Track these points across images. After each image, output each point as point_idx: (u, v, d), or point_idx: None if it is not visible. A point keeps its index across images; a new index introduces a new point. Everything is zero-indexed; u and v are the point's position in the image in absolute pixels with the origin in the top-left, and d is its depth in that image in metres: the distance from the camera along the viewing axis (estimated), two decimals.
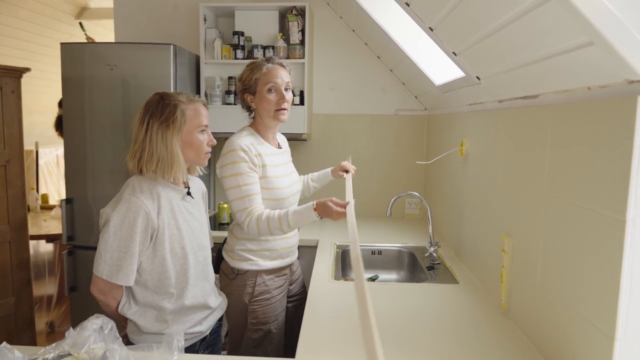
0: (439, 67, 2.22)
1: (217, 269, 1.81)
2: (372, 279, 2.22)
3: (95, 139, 2.53)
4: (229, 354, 1.85)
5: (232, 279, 1.73)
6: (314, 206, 1.59)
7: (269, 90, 1.69)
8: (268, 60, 1.73)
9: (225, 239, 1.87)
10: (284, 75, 1.72)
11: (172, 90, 2.42)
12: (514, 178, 1.48)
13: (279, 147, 1.87)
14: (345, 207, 1.54)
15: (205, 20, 2.73)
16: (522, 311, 1.41)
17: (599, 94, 1.00)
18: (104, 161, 2.55)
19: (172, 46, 2.43)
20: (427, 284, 1.86)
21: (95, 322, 1.17)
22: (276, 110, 1.71)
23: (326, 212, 1.56)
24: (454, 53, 1.60)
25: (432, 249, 2.10)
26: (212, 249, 1.64)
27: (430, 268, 2.04)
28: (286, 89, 1.72)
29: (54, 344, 1.15)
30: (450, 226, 2.26)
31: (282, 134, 2.03)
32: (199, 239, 1.51)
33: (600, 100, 1.00)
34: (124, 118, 2.49)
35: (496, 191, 1.64)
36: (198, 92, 2.78)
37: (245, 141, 1.69)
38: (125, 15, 3.07)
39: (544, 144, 1.26)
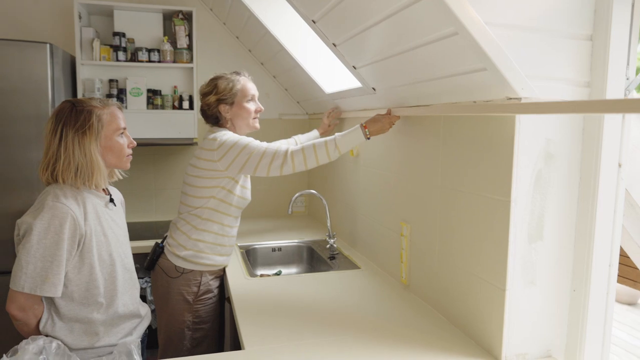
0: (324, 75, 2.46)
1: (152, 267, 1.80)
2: (277, 274, 2.36)
3: None
4: (162, 353, 1.82)
5: (175, 278, 1.72)
6: (363, 124, 1.70)
7: (249, 100, 1.88)
8: (238, 74, 1.86)
9: (165, 237, 1.90)
10: (255, 88, 1.94)
11: (50, 94, 2.25)
12: (409, 173, 1.77)
13: None
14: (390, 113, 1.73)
15: (80, 18, 2.54)
16: (422, 283, 1.70)
17: (483, 106, 1.30)
18: None
19: (48, 45, 2.22)
20: (333, 272, 2.07)
21: (36, 344, 1.10)
22: (253, 118, 1.90)
23: (378, 124, 1.70)
24: (353, 67, 1.84)
25: (332, 240, 2.33)
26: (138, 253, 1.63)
27: (332, 258, 2.26)
28: (258, 99, 1.94)
29: None
30: (343, 220, 2.52)
31: (170, 139, 2.42)
32: (124, 247, 1.50)
33: (484, 111, 1.31)
34: None
35: (392, 185, 1.92)
36: (74, 94, 2.57)
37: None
38: None
39: (437, 145, 1.56)
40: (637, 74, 1.23)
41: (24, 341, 1.12)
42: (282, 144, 1.79)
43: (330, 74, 2.41)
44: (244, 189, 1.93)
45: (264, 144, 1.78)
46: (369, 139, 1.74)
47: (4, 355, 1.07)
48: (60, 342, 1.13)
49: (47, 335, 1.32)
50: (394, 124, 1.78)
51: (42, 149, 1.40)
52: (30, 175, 2.25)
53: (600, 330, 1.30)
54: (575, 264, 1.29)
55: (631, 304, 4.53)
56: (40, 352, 1.07)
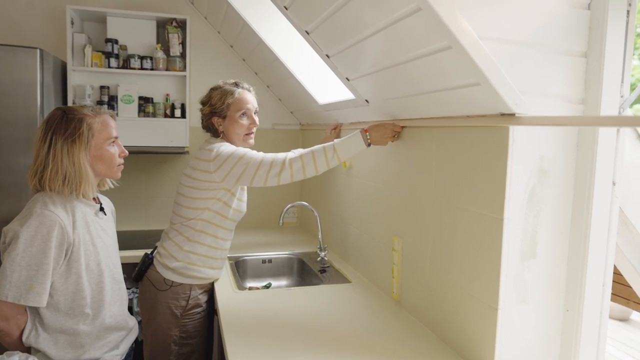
0: (318, 85, 2.45)
1: (140, 278, 1.75)
2: (266, 287, 2.32)
3: None
4: None
5: (164, 291, 1.68)
6: (365, 129, 1.62)
7: (242, 115, 1.81)
8: (236, 85, 1.82)
9: (155, 247, 1.84)
10: (254, 101, 1.85)
11: (38, 99, 2.21)
12: (402, 187, 1.74)
13: None
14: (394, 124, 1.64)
15: (72, 23, 2.52)
16: (413, 299, 1.67)
17: (476, 121, 1.29)
18: None
19: (38, 50, 2.19)
20: (323, 286, 2.04)
21: None
22: (246, 134, 1.84)
23: (380, 131, 1.61)
24: (347, 78, 1.82)
25: (323, 253, 2.29)
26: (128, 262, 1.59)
27: (322, 271, 2.23)
28: (255, 113, 1.87)
29: None
30: (334, 232, 2.49)
31: (161, 147, 2.36)
32: (113, 257, 1.47)
33: (478, 126, 1.29)
34: None
35: (384, 199, 1.90)
36: (65, 100, 2.54)
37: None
38: None
39: (430, 160, 1.54)
40: (631, 91, 1.22)
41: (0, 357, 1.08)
42: (279, 154, 1.74)
43: (324, 84, 2.40)
44: (240, 202, 1.89)
45: (261, 154, 1.73)
46: (369, 145, 1.68)
47: None
48: (35, 358, 1.09)
49: (30, 347, 1.28)
50: (398, 134, 1.70)
51: (31, 155, 1.39)
52: (19, 181, 2.21)
53: (594, 350, 1.27)
54: (568, 283, 1.27)
55: (623, 320, 4.52)
56: None
